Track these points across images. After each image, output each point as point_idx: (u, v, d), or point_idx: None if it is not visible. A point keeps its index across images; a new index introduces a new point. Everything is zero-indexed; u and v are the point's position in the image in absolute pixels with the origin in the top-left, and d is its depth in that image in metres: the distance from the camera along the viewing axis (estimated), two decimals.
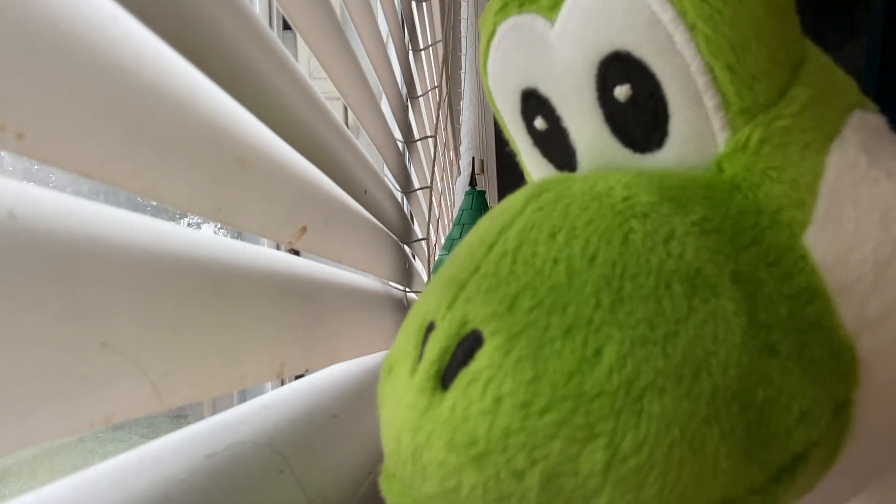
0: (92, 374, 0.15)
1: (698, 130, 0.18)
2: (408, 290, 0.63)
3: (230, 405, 0.28)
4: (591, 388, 0.14)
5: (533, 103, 0.22)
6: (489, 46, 0.23)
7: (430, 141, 0.83)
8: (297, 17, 0.35)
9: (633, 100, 0.18)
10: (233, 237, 0.44)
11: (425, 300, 0.17)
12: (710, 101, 0.17)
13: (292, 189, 0.29)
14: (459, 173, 1.27)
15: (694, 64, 0.17)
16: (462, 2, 1.28)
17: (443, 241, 0.74)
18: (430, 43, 0.90)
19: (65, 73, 0.15)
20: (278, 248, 0.52)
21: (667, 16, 0.17)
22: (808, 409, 0.15)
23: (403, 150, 0.73)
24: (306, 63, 0.94)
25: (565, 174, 0.20)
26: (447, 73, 0.80)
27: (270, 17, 0.69)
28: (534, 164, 0.24)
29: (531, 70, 0.21)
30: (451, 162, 1.20)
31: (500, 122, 0.25)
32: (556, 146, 0.22)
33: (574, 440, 0.13)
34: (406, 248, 0.66)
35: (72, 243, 0.15)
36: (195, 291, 0.20)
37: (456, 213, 0.66)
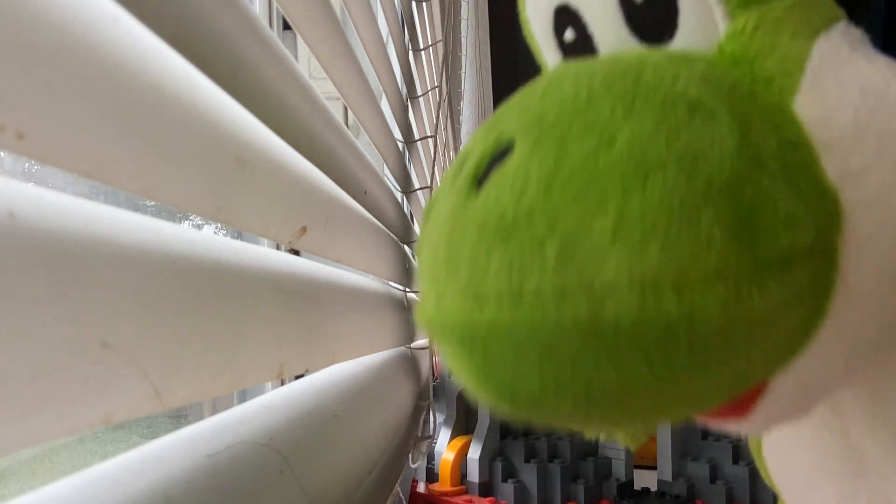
0: (92, 375, 0.15)
1: (703, 22, 0.21)
2: (408, 289, 0.63)
3: (230, 405, 0.28)
4: (604, 167, 0.16)
5: (564, 18, 0.25)
6: None
7: (431, 141, 0.83)
8: (297, 16, 0.35)
9: (649, 1, 0.22)
10: (233, 237, 0.44)
11: (476, 133, 0.20)
12: None
13: (292, 189, 0.29)
14: None
15: None
16: (462, 2, 1.28)
17: None
18: (430, 43, 0.90)
19: (65, 73, 0.15)
20: (278, 248, 0.52)
21: None
22: (793, 213, 0.16)
23: (403, 150, 0.73)
24: (306, 63, 0.94)
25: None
26: (447, 73, 0.80)
27: (270, 17, 0.69)
28: None
29: None
30: (451, 162, 1.20)
31: (533, 48, 0.28)
32: (584, 55, 0.25)
33: (588, 207, 0.15)
34: (406, 248, 0.66)
35: (72, 243, 0.15)
36: (195, 291, 0.20)
37: None
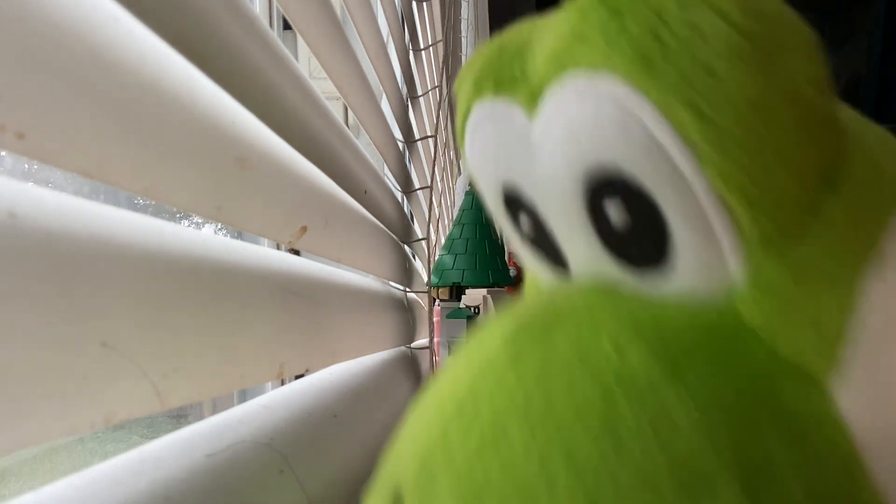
0: (92, 374, 0.15)
1: (708, 262, 0.15)
2: (408, 289, 0.63)
3: (230, 405, 0.28)
4: None
5: (517, 201, 0.20)
6: (465, 125, 0.20)
7: (431, 141, 0.83)
8: (298, 16, 0.35)
9: (630, 226, 0.16)
10: (233, 237, 0.44)
11: (396, 457, 0.17)
12: (722, 232, 0.14)
13: (292, 189, 0.29)
14: (460, 173, 1.27)
15: (702, 192, 0.14)
16: (462, 2, 1.28)
17: (443, 241, 0.74)
18: (430, 43, 0.90)
19: (66, 74, 0.15)
20: (278, 247, 0.52)
21: (665, 138, 0.14)
22: None
23: (403, 149, 0.73)
24: (306, 63, 0.94)
25: (553, 296, 0.18)
26: (447, 72, 0.80)
27: (271, 17, 0.69)
28: (527, 256, 0.22)
29: (511, 167, 0.19)
30: (451, 162, 1.20)
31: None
32: (547, 247, 0.20)
33: None
34: (406, 247, 0.66)
35: (72, 243, 0.15)
36: (195, 291, 0.20)
37: (456, 213, 0.66)
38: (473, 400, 0.16)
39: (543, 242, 0.20)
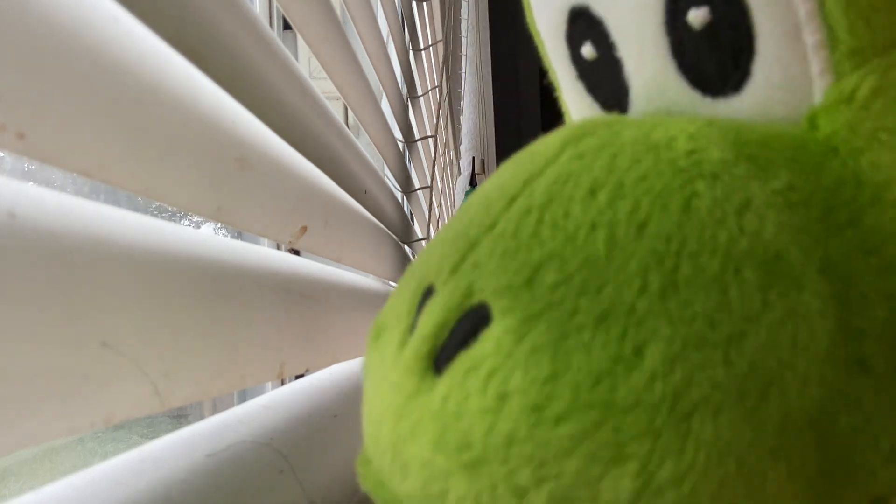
0: (92, 374, 0.15)
1: (790, 73, 0.14)
2: None
3: (230, 405, 0.28)
4: (626, 396, 0.11)
5: (582, 25, 0.18)
6: None
7: (431, 141, 0.83)
8: (298, 16, 0.35)
9: (711, 28, 0.14)
10: (233, 237, 0.44)
11: (427, 257, 0.15)
12: (811, 35, 0.13)
13: (292, 189, 0.29)
14: (460, 173, 1.27)
15: None
16: (462, 2, 1.28)
17: None
18: (430, 43, 0.90)
19: (65, 73, 0.15)
20: (278, 248, 0.52)
21: None
22: None
23: (404, 149, 0.73)
24: (306, 63, 0.94)
25: (614, 116, 0.17)
26: (447, 72, 0.80)
27: (271, 17, 0.69)
28: (576, 102, 0.20)
29: None
30: (451, 162, 1.20)
31: (539, 46, 0.20)
32: (606, 80, 0.18)
33: (596, 460, 0.10)
34: (406, 247, 0.66)
35: (72, 243, 0.15)
36: (195, 291, 0.20)
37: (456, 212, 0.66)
38: (527, 191, 0.14)
39: (604, 72, 0.18)
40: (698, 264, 0.11)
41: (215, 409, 0.28)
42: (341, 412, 0.33)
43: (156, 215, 0.20)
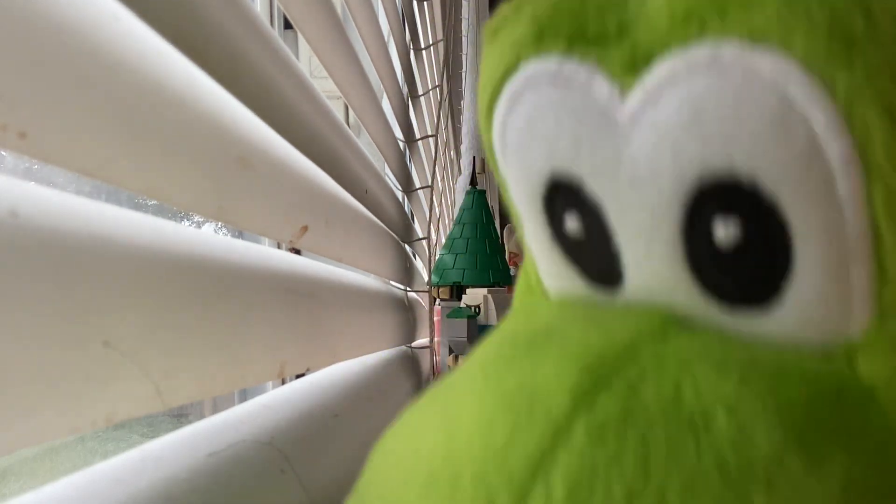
0: (93, 374, 0.15)
1: (827, 301, 0.12)
2: (408, 289, 0.63)
3: (231, 404, 0.28)
4: None
5: (567, 197, 0.15)
6: (502, 88, 0.15)
7: (431, 140, 0.83)
8: (299, 15, 0.35)
9: (741, 250, 0.13)
10: (234, 236, 0.44)
11: None
12: (860, 270, 0.12)
13: (293, 188, 0.29)
14: (460, 172, 1.27)
15: (855, 221, 0.11)
16: (463, 1, 1.28)
17: (443, 240, 0.74)
18: (431, 42, 0.90)
19: (67, 73, 0.15)
20: (279, 247, 0.52)
21: (836, 149, 0.11)
22: None
23: (404, 149, 0.73)
24: (307, 62, 0.94)
25: (619, 337, 0.13)
26: (448, 72, 0.80)
27: (272, 16, 0.69)
28: (548, 261, 0.17)
29: (575, 153, 0.14)
30: (451, 161, 1.20)
31: (501, 191, 0.17)
32: (594, 259, 0.16)
33: None
34: (407, 247, 0.66)
35: (73, 242, 0.15)
36: (196, 291, 0.20)
37: (457, 212, 0.66)
38: (541, 485, 0.11)
39: (591, 251, 0.15)
40: None
41: (216, 409, 0.28)
42: (342, 411, 0.33)
43: (157, 215, 0.20)
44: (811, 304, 0.12)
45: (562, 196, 0.15)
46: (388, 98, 0.66)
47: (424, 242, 0.72)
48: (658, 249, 0.14)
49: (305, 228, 0.31)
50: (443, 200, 1.00)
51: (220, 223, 0.27)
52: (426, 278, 0.71)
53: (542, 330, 0.14)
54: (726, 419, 0.11)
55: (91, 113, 0.16)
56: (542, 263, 0.18)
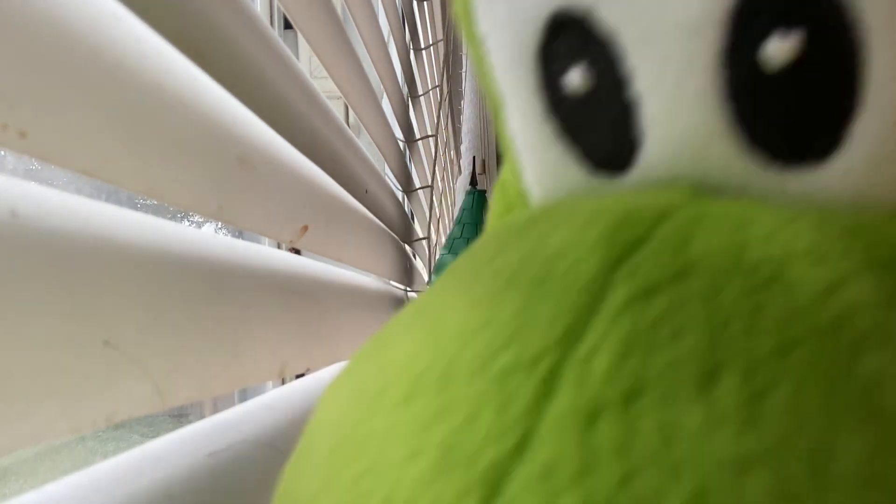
0: (94, 373, 0.15)
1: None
2: (409, 289, 0.63)
3: (231, 404, 0.28)
4: None
5: (570, 41, 0.12)
6: None
7: (431, 140, 0.83)
8: (299, 15, 0.35)
9: (801, 67, 0.10)
10: (234, 236, 0.44)
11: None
12: None
13: (294, 188, 0.29)
14: (460, 172, 1.27)
15: None
16: None
17: (444, 240, 0.74)
18: (431, 42, 0.90)
19: (67, 72, 0.15)
20: (279, 247, 0.52)
21: None
22: None
23: (404, 149, 0.73)
24: (307, 62, 0.94)
25: (651, 192, 0.11)
26: (448, 72, 0.80)
27: (272, 16, 0.69)
28: (535, 150, 0.14)
29: None
30: (451, 161, 1.20)
31: (475, 56, 0.14)
32: (602, 125, 0.12)
33: None
34: (407, 247, 0.66)
35: (74, 242, 0.15)
36: (197, 290, 0.20)
37: (457, 212, 0.66)
38: (569, 371, 0.08)
39: (600, 111, 0.12)
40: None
41: (216, 409, 0.28)
42: None
43: (157, 214, 0.20)
44: (884, 142, 0.10)
45: (563, 43, 0.12)
46: (388, 98, 0.66)
47: (424, 242, 0.72)
48: (690, 85, 0.11)
49: (305, 228, 0.31)
50: (443, 200, 1.00)
51: (220, 223, 0.27)
52: (426, 278, 0.71)
53: (538, 215, 0.11)
54: (809, 267, 0.08)
55: (91, 113, 0.16)
56: (529, 159, 0.14)
